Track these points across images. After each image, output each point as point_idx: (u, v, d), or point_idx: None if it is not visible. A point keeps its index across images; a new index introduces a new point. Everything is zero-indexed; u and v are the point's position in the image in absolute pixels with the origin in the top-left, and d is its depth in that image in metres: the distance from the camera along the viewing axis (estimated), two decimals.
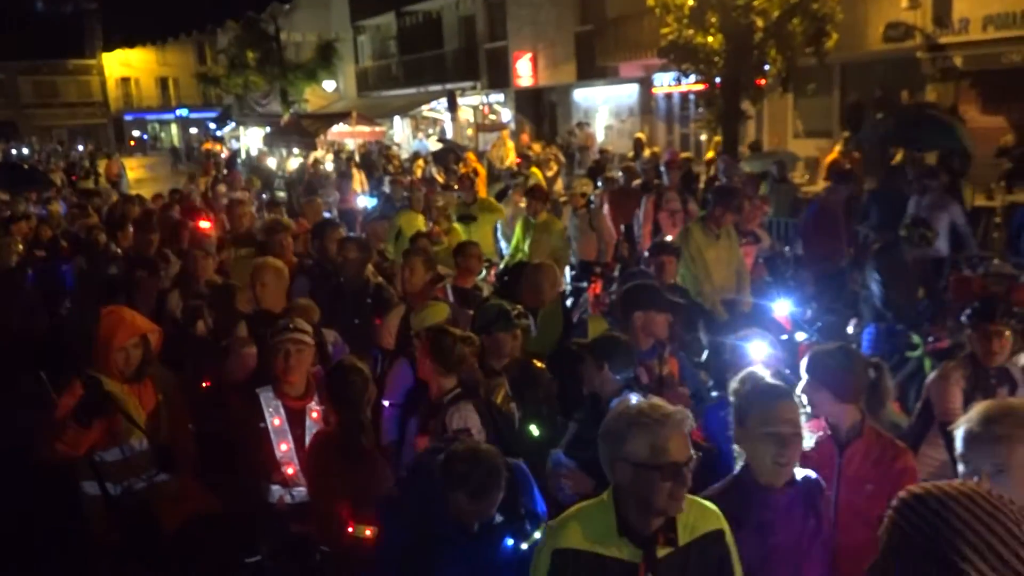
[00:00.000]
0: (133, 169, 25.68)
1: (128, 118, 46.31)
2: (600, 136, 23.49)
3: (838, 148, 14.52)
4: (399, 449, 3.84)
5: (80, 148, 37.38)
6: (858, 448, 2.91)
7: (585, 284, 8.17)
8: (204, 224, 7.34)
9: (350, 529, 3.29)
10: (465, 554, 2.71)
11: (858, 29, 15.67)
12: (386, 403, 4.05)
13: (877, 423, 3.03)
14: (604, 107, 24.34)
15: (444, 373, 3.67)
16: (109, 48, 37.61)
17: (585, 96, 24.87)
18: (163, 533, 3.86)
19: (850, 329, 6.30)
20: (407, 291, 4.98)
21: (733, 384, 2.72)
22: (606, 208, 9.59)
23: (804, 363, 3.05)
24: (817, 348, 3.23)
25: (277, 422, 3.68)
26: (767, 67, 14.09)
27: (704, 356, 5.12)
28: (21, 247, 8.29)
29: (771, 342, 3.87)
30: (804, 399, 2.72)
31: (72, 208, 11.91)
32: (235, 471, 3.87)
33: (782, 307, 6.23)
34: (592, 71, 22.15)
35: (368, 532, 3.26)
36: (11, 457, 5.01)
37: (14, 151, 35.38)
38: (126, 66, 43.82)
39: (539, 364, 4.24)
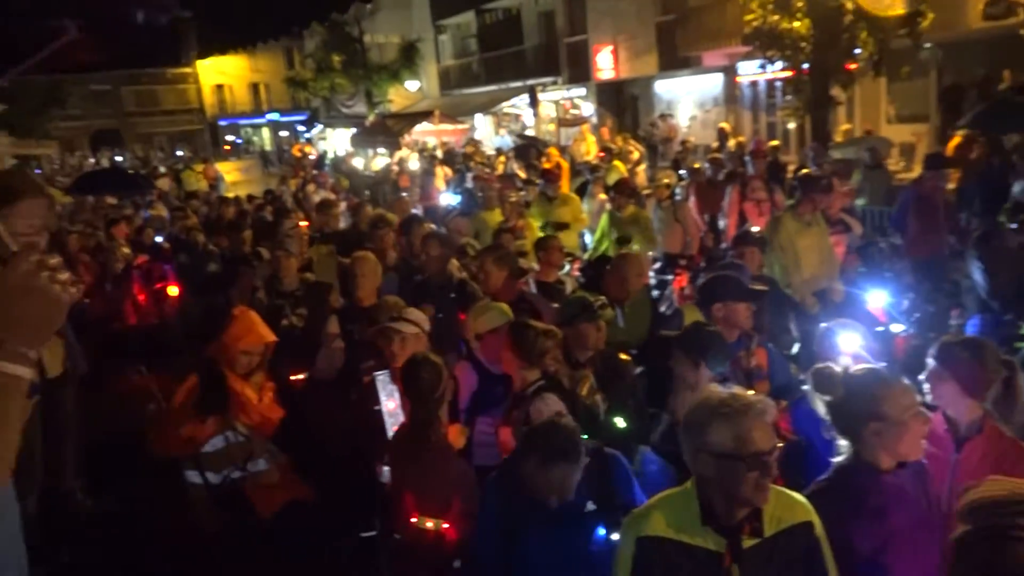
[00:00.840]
0: (228, 172, 26.68)
1: (223, 123, 48.12)
2: (683, 127, 23.13)
3: (958, 136, 13.75)
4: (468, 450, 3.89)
5: (179, 154, 39.09)
6: (977, 446, 2.77)
7: (670, 277, 8.07)
8: (302, 223, 7.60)
9: (413, 520, 3.38)
10: (556, 541, 2.74)
11: (956, 7, 14.95)
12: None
13: (1007, 426, 2.85)
14: (687, 98, 23.95)
15: (526, 366, 3.70)
16: (203, 56, 39.10)
17: (667, 87, 24.52)
18: (259, 519, 4.03)
19: (952, 320, 6.04)
20: (487, 291, 5.03)
21: (818, 377, 2.64)
22: (691, 200, 9.46)
23: (932, 352, 2.93)
24: (948, 337, 3.10)
25: (392, 405, 3.78)
26: (857, 51, 13.59)
27: (795, 348, 5.00)
28: (127, 249, 8.72)
29: (864, 333, 3.75)
30: (925, 388, 2.63)
31: (174, 211, 12.47)
32: (342, 454, 4.00)
33: (877, 298, 6.02)
34: (674, 61, 21.82)
35: (429, 524, 3.33)
36: (119, 444, 5.31)
37: (118, 158, 37.26)
38: (220, 73, 45.54)
39: (625, 356, 4.22)
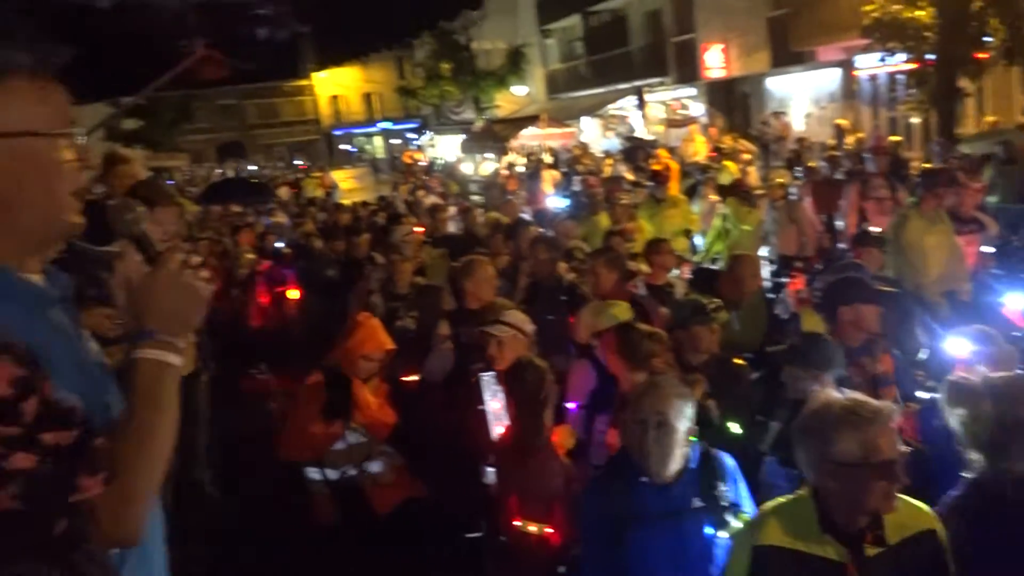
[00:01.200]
0: (343, 180, 27.64)
1: (337, 133, 49.91)
2: (798, 125, 22.37)
3: None
4: (586, 449, 3.87)
5: (298, 163, 40.80)
6: None
7: (785, 279, 7.82)
8: (417, 229, 7.80)
9: (517, 523, 3.39)
10: (662, 539, 2.71)
11: None
12: (571, 405, 4.09)
13: None
14: (801, 94, 23.15)
15: (632, 369, 3.67)
16: (320, 68, 40.63)
17: (780, 84, 23.78)
18: (375, 516, 4.16)
19: None
20: (597, 291, 5.01)
21: (953, 389, 2.50)
22: (807, 199, 9.13)
23: None
24: None
25: (496, 406, 3.83)
26: (988, 39, 12.80)
27: (922, 353, 4.75)
28: (251, 255, 9.14)
29: (997, 338, 3.52)
30: None
31: (294, 218, 12.99)
32: (450, 455, 4.08)
33: (1014, 301, 5.65)
34: (787, 57, 21.14)
35: (533, 528, 3.34)
36: (243, 439, 5.58)
37: (244, 168, 39.20)
38: (335, 85, 47.30)
39: (739, 361, 4.12)
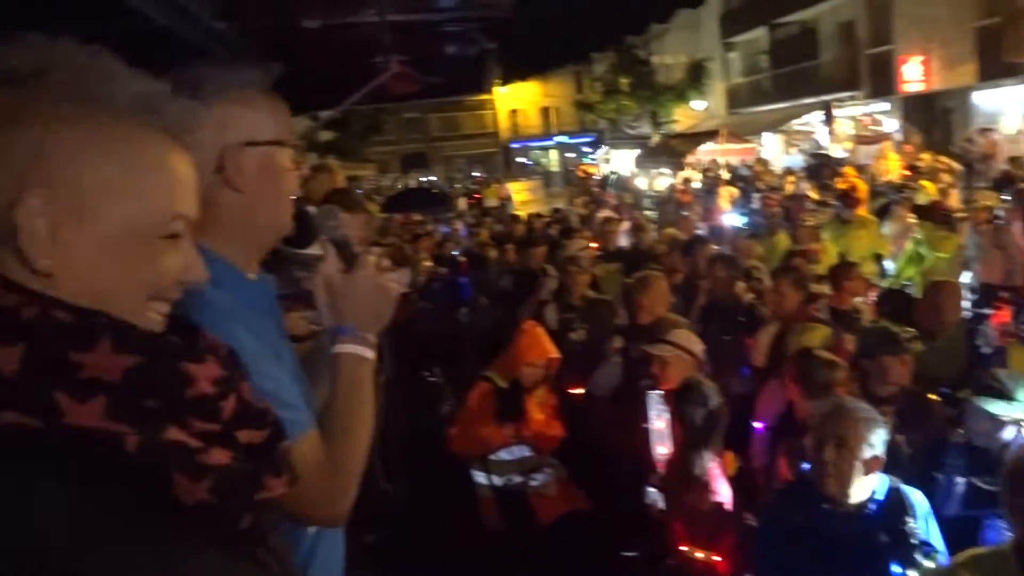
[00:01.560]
0: (518, 192, 28.19)
1: (515, 146, 51.05)
2: (1009, 143, 20.44)
3: None
4: (769, 472, 3.71)
5: (475, 174, 42.12)
6: None
7: (988, 310, 7.14)
8: (592, 244, 7.82)
9: (683, 548, 3.28)
10: (844, 566, 2.56)
11: None
12: (758, 425, 3.94)
13: None
14: (1014, 110, 21.15)
15: (809, 396, 3.50)
16: (504, 83, 41.65)
17: (988, 98, 21.84)
18: (539, 525, 4.19)
19: None
20: (778, 313, 4.80)
21: None
22: (1017, 224, 8.31)
23: None
24: None
25: (660, 425, 3.77)
26: None
27: None
28: (429, 262, 9.50)
29: None
30: None
31: (471, 228, 13.39)
32: (612, 471, 4.05)
33: None
34: (998, 69, 19.38)
35: (700, 555, 3.22)
36: (415, 439, 5.78)
37: (425, 179, 40.97)
38: (515, 99, 48.43)
39: (934, 397, 3.81)
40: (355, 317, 1.51)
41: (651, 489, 3.71)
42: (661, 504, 3.69)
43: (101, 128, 0.87)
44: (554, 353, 4.45)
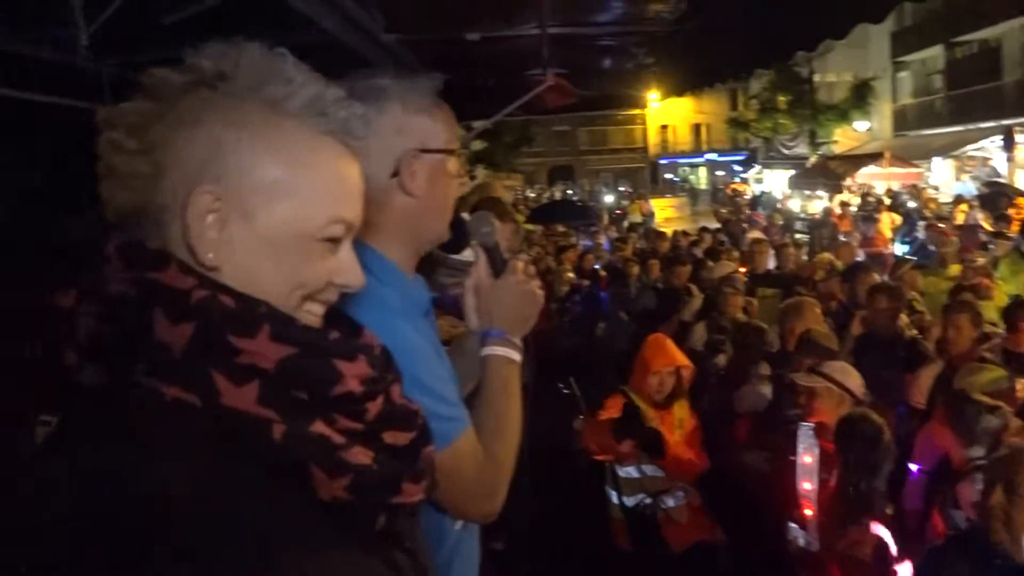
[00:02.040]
0: (662, 209, 27.83)
1: (663, 162, 50.46)
2: None
3: None
4: (924, 520, 3.45)
5: (621, 189, 41.92)
6: None
7: None
8: (729, 264, 7.59)
9: None
10: None
11: None
12: (914, 468, 3.68)
13: None
14: None
15: (964, 444, 3.24)
16: (660, 99, 41.34)
17: None
18: (669, 551, 4.07)
19: None
20: (948, 349, 4.47)
21: None
22: None
23: None
24: None
25: (808, 459, 3.58)
26: None
27: None
28: (571, 275, 9.51)
29: None
30: None
31: (614, 242, 13.31)
32: (750, 502, 3.90)
33: None
34: None
35: None
36: (547, 451, 5.77)
37: (570, 191, 41.19)
38: (666, 114, 47.89)
39: None
40: (503, 321, 1.56)
41: (793, 526, 3.53)
42: (803, 541, 3.50)
43: (273, 130, 0.90)
44: (683, 362, 4.32)
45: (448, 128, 1.48)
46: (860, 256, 10.14)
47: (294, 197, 0.91)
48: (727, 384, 4.85)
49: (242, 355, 0.84)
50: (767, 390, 4.45)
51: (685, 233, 14.70)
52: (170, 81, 0.90)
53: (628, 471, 4.22)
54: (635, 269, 9.54)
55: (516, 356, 1.55)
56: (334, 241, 0.95)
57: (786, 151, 32.96)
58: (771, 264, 8.04)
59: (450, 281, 2.03)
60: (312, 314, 0.95)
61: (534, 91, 5.73)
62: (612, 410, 4.20)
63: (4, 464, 0.97)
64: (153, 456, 0.80)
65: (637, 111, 48.63)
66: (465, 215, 2.06)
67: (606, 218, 23.55)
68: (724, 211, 24.32)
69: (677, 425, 4.31)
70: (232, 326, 0.84)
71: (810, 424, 3.60)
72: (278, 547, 0.81)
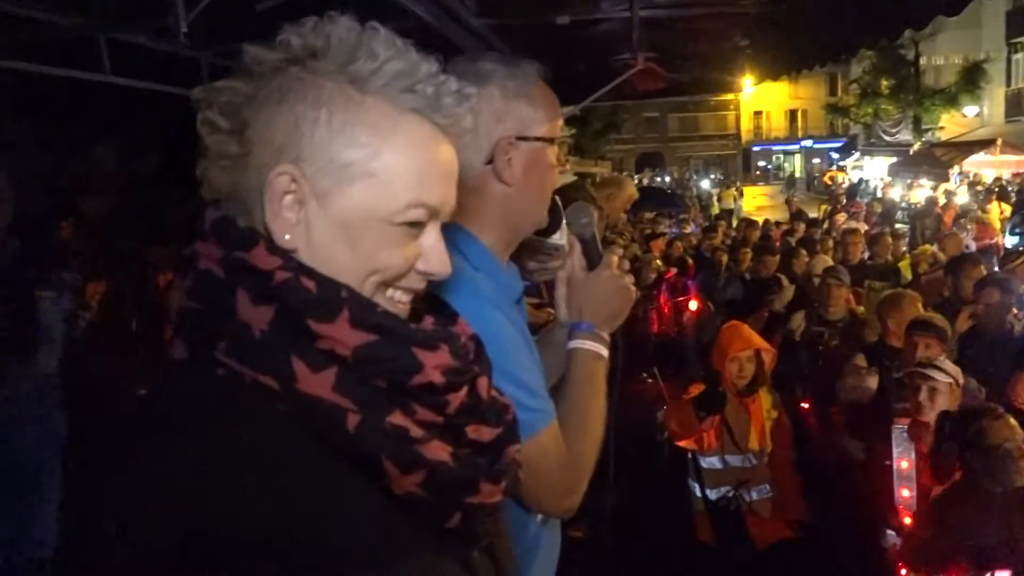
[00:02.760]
0: (755, 197, 27.15)
1: (756, 149, 49.19)
2: None
3: None
4: None
5: (711, 177, 41.11)
6: None
7: None
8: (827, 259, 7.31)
9: None
10: None
11: None
12: None
13: None
14: None
15: None
16: (754, 84, 40.27)
17: None
18: (755, 546, 3.97)
19: None
20: None
21: None
22: None
23: None
24: None
25: (905, 465, 3.41)
26: None
27: None
28: (659, 262, 9.36)
29: None
30: None
31: (704, 230, 13.05)
32: (846, 500, 3.77)
33: None
34: None
35: None
36: (633, 442, 5.71)
37: (658, 179, 40.62)
38: (760, 100, 46.63)
39: None
40: (594, 315, 1.53)
41: (891, 532, 3.37)
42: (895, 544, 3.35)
43: (353, 108, 0.87)
44: (763, 346, 4.20)
45: (550, 116, 1.43)
46: (971, 247, 9.63)
47: (370, 179, 0.87)
48: (827, 374, 4.66)
49: (321, 340, 0.83)
50: (872, 382, 4.25)
51: (777, 223, 14.30)
52: (263, 59, 0.89)
53: (711, 461, 4.14)
54: (724, 258, 9.32)
55: (604, 351, 1.51)
56: (415, 226, 0.90)
57: (888, 138, 31.58)
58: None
59: (535, 267, 2.01)
60: (397, 301, 0.91)
61: (624, 75, 5.64)
62: (694, 392, 4.13)
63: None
64: (229, 437, 0.80)
65: (729, 97, 47.57)
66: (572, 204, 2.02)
67: (696, 206, 23.11)
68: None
69: (766, 417, 4.20)
70: (312, 310, 0.83)
71: (902, 426, 3.42)
72: (348, 539, 0.80)
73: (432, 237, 0.92)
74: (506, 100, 1.39)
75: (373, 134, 0.87)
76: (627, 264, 1.59)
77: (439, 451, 0.86)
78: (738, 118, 49.79)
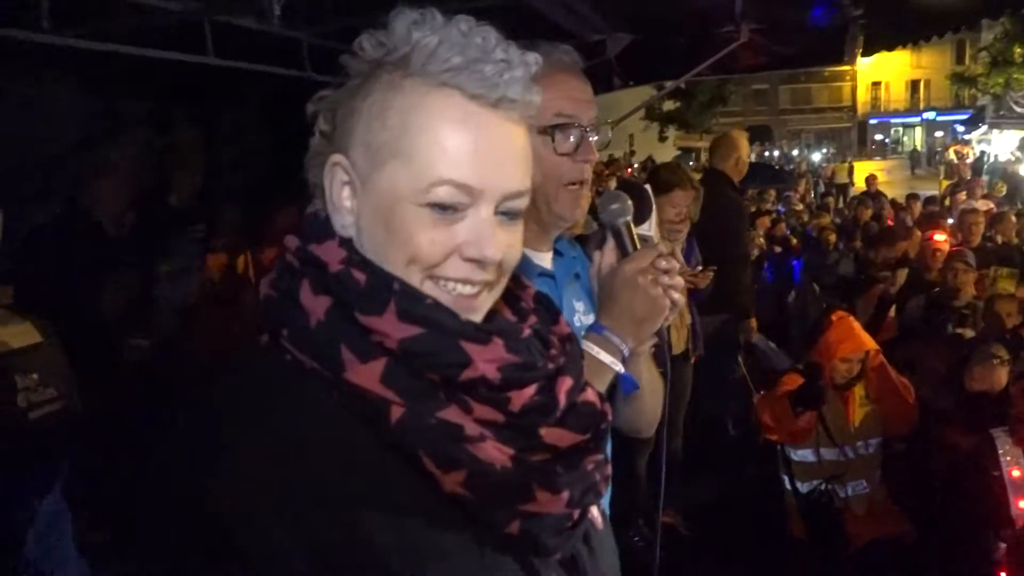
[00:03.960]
0: (870, 172, 25.89)
1: (872, 121, 46.83)
2: None
3: None
4: None
5: (823, 151, 39.41)
6: None
7: None
8: (939, 236, 6.89)
9: None
10: None
11: None
12: None
13: None
14: None
15: None
16: (868, 53, 38.16)
17: None
18: (849, 543, 3.82)
19: None
20: None
21: None
22: None
23: None
24: None
25: (1016, 473, 3.18)
26: None
27: None
28: (762, 240, 9.07)
29: None
30: None
31: (812, 208, 12.55)
32: (952, 498, 3.57)
33: None
34: None
35: None
36: (722, 424, 5.55)
37: (767, 153, 39.23)
38: (878, 70, 44.28)
39: None
40: (610, 317, 1.37)
41: (1004, 545, 3.17)
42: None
43: (391, 91, 0.86)
44: (870, 344, 3.98)
45: (559, 103, 1.36)
46: None
47: (397, 159, 0.85)
48: (948, 363, 4.39)
49: (370, 333, 0.83)
50: (1003, 374, 3.98)
51: (893, 201, 13.58)
52: (350, 65, 0.91)
53: (803, 454, 4.00)
54: (832, 237, 8.94)
55: (609, 360, 1.34)
56: (446, 208, 0.85)
57: (1020, 109, 29.47)
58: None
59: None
60: (458, 295, 0.87)
61: (726, 49, 5.43)
62: (790, 385, 3.97)
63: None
64: (287, 419, 0.82)
65: (844, 68, 45.43)
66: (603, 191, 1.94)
67: (803, 183, 22.20)
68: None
69: (859, 404, 4.02)
70: (360, 303, 0.83)
71: (1002, 429, 3.19)
72: (384, 533, 0.79)
73: (477, 220, 0.86)
74: None
75: (402, 113, 0.86)
76: (674, 265, 1.39)
77: (493, 452, 0.83)
78: (854, 89, 47.44)
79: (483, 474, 0.82)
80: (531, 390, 0.86)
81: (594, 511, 1.02)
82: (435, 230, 0.86)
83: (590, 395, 0.95)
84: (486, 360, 0.84)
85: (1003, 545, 3.15)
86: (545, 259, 1.49)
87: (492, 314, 0.93)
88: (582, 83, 1.42)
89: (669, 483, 4.62)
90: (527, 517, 0.85)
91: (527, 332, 0.93)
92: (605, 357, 1.34)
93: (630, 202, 1.45)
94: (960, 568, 3.40)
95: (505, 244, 0.88)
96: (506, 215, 0.89)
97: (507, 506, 0.84)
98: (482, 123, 0.86)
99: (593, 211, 1.71)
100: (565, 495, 0.87)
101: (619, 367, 1.35)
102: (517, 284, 1.01)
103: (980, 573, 3.24)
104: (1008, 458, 3.17)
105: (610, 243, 1.43)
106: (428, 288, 0.86)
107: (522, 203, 0.90)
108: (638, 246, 1.42)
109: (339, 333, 0.83)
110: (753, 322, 5.38)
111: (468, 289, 0.88)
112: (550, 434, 0.88)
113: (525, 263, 1.42)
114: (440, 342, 0.83)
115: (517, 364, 0.86)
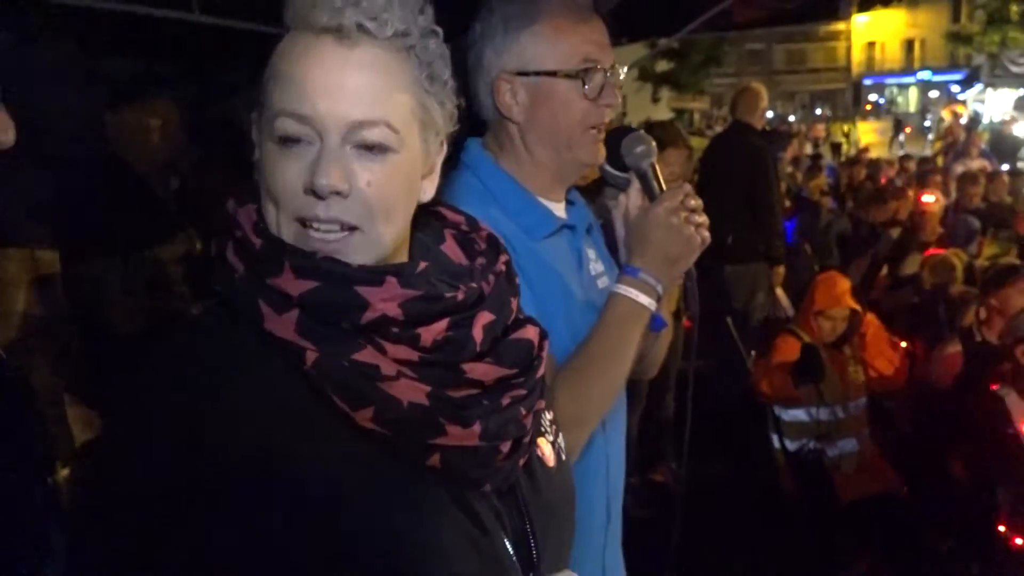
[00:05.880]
0: (865, 133, 25.84)
1: (867, 82, 46.53)
2: None
3: None
4: None
5: (818, 112, 39.20)
6: None
7: None
8: (927, 198, 6.87)
9: None
10: None
11: None
12: None
13: None
14: None
15: None
16: (863, 10, 37.94)
17: None
18: (838, 499, 3.85)
19: None
20: None
21: None
22: None
23: None
24: None
25: None
26: None
27: None
28: None
29: None
30: None
31: (807, 171, 12.49)
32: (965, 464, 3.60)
33: None
34: None
35: None
36: (712, 386, 5.56)
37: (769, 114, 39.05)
38: (874, 29, 43.90)
39: None
40: (644, 258, 1.38)
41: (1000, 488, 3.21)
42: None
43: (284, 46, 0.90)
44: (851, 304, 4.02)
45: (561, 48, 1.35)
46: None
47: (261, 106, 0.90)
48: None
49: (279, 290, 0.86)
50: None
51: (888, 162, 13.54)
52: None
53: (795, 414, 4.02)
54: (826, 200, 8.92)
55: (646, 301, 1.37)
56: (290, 141, 0.87)
57: (1015, 68, 29.35)
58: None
59: (613, 204, 1.93)
60: (326, 241, 0.88)
61: (722, 4, 5.33)
62: (786, 352, 3.99)
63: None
64: (212, 355, 0.88)
65: (840, 27, 45.04)
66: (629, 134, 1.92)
67: (795, 143, 22.10)
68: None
69: (850, 363, 4.05)
70: (261, 266, 0.88)
71: (1010, 391, 3.21)
72: (311, 468, 0.83)
73: (323, 151, 0.87)
74: (505, 34, 1.35)
75: (273, 64, 0.90)
76: (698, 203, 1.41)
77: (406, 389, 0.85)
78: (849, 49, 47.07)
79: (391, 409, 0.84)
80: (442, 325, 0.88)
81: (545, 448, 1.04)
82: (284, 164, 0.88)
83: (529, 332, 0.97)
84: (383, 300, 0.86)
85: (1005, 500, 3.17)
86: (559, 208, 1.49)
87: (439, 255, 0.99)
88: (602, 26, 1.42)
89: (660, 440, 4.71)
90: (446, 450, 0.87)
91: (422, 267, 0.92)
92: (644, 299, 1.36)
93: (655, 143, 1.46)
94: (957, 523, 3.44)
95: (363, 180, 0.88)
96: (365, 148, 0.88)
97: (419, 439, 0.86)
98: (324, 54, 0.87)
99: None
100: (477, 427, 0.88)
101: (655, 308, 1.38)
102: (472, 226, 1.05)
103: (980, 527, 3.27)
104: (1019, 415, 3.19)
105: (635, 185, 1.45)
106: (301, 239, 0.88)
107: (379, 134, 0.88)
108: (664, 187, 1.44)
109: (256, 288, 0.87)
110: (781, 269, 5.41)
111: (333, 235, 0.88)
112: (474, 369, 0.90)
113: (546, 217, 1.43)
114: (335, 291, 0.85)
115: (418, 297, 0.87)
